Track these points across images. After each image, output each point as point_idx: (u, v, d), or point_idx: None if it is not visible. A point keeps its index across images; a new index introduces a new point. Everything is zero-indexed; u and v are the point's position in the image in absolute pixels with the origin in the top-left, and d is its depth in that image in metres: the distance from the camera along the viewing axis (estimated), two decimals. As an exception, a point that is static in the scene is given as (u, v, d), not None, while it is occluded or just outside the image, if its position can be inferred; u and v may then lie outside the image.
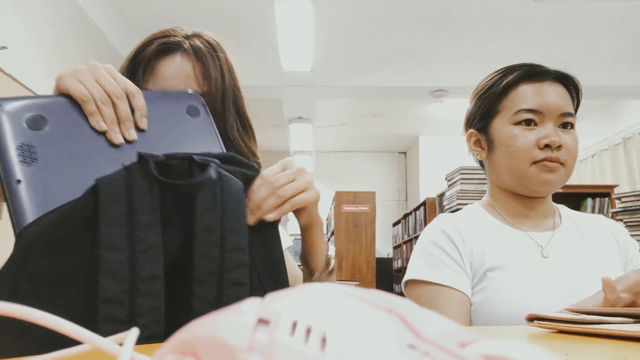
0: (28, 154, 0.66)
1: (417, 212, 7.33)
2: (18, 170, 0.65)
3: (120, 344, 0.26)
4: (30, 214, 0.62)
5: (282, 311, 0.19)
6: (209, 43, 1.00)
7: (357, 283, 5.65)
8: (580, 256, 1.16)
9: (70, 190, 0.64)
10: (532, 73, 1.20)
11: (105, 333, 0.37)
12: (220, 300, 0.65)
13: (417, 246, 1.21)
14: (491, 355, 0.18)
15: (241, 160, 0.77)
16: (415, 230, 7.37)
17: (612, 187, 4.80)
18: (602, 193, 4.76)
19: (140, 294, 0.60)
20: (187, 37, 1.01)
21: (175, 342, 0.20)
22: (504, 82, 1.21)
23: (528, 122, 1.16)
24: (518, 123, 1.17)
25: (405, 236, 7.98)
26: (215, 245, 0.66)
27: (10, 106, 0.69)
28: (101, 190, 0.62)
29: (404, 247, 8.02)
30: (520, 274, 1.09)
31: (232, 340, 0.18)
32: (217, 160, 0.72)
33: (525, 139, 1.15)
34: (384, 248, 9.36)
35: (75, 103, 0.73)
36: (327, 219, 9.19)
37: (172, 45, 0.98)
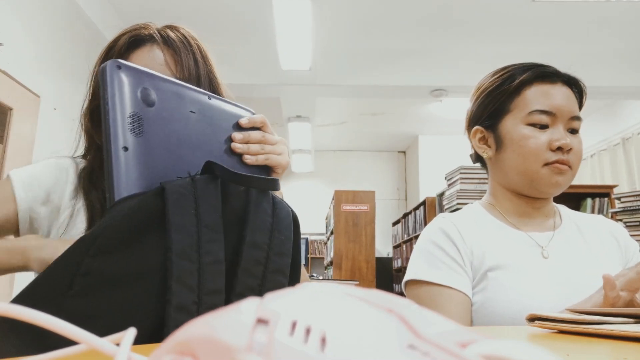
0: (138, 125, 0.66)
1: (417, 211, 7.33)
2: (127, 137, 0.64)
3: (117, 344, 0.26)
4: (129, 185, 0.62)
5: (282, 311, 0.19)
6: (181, 33, 1.01)
7: (357, 283, 5.65)
8: (580, 256, 1.16)
9: (164, 173, 0.65)
10: (545, 74, 1.19)
11: None
12: None
13: (417, 246, 1.21)
14: (491, 355, 0.18)
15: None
16: (415, 230, 7.37)
17: (611, 187, 4.80)
18: (601, 193, 4.76)
19: (205, 306, 0.60)
20: (158, 29, 1.02)
21: (173, 342, 0.20)
22: (517, 81, 1.20)
23: (542, 125, 1.16)
24: (531, 124, 1.17)
25: (405, 236, 7.99)
26: (259, 263, 0.67)
27: (129, 73, 0.69)
28: (169, 196, 0.62)
29: (404, 246, 8.02)
30: (520, 274, 1.09)
31: (230, 340, 0.18)
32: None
33: (537, 140, 1.15)
34: (383, 248, 9.37)
35: (180, 87, 0.74)
36: (326, 218, 9.20)
37: (143, 37, 0.99)
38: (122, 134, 0.64)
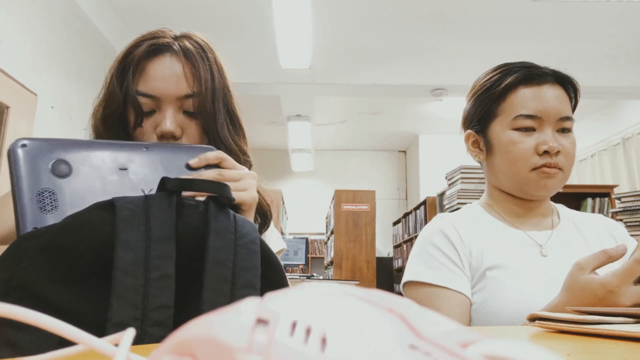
0: (49, 201, 0.66)
1: (418, 211, 7.34)
2: (38, 217, 0.65)
3: (116, 345, 0.26)
4: None
5: (281, 311, 0.19)
6: (198, 44, 1.01)
7: (357, 282, 5.66)
8: (579, 255, 1.15)
9: None
10: (531, 76, 1.19)
11: None
12: None
13: (416, 247, 1.21)
14: (492, 355, 0.18)
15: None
16: (415, 230, 7.37)
17: (611, 187, 4.81)
18: (602, 193, 4.77)
19: (150, 322, 0.59)
20: (176, 37, 1.02)
21: (172, 342, 0.20)
22: (503, 85, 1.20)
23: (527, 128, 1.16)
24: (517, 129, 1.17)
25: (406, 235, 7.99)
26: (226, 281, 0.65)
27: (35, 148, 0.69)
28: (119, 212, 0.61)
29: (404, 246, 8.03)
30: (519, 272, 1.09)
31: (230, 340, 0.18)
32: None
33: (524, 145, 1.15)
34: (384, 247, 9.37)
35: (103, 146, 0.74)
36: (326, 218, 9.21)
37: (161, 46, 0.99)
38: (31, 215, 0.64)
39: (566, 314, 0.68)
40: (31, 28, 3.52)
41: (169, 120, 0.94)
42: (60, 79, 3.89)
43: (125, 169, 0.75)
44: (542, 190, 1.15)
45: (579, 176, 7.55)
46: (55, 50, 3.84)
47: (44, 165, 0.68)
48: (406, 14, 4.74)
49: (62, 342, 0.35)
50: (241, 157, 1.03)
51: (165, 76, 0.96)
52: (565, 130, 1.17)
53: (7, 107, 3.24)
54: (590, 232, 1.22)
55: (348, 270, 7.27)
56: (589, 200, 4.71)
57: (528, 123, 1.16)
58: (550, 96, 1.17)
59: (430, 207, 6.68)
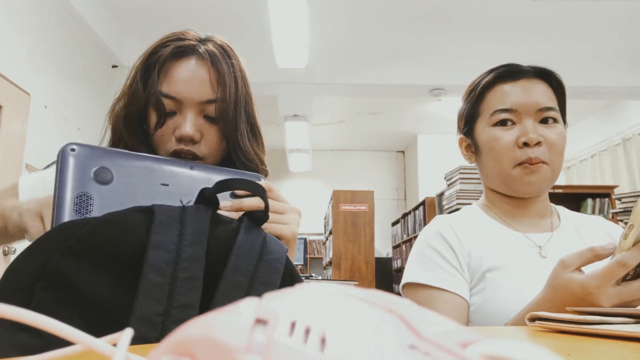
0: (85, 205, 0.69)
1: (417, 211, 7.34)
2: (69, 218, 0.67)
3: (114, 345, 0.26)
4: None
5: (281, 311, 0.19)
6: (223, 49, 1.01)
7: (356, 283, 5.66)
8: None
9: None
10: (507, 73, 1.20)
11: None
12: None
13: (414, 249, 1.21)
14: (492, 355, 0.18)
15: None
16: (414, 230, 7.37)
17: (612, 187, 4.81)
18: (602, 194, 4.77)
19: (173, 319, 0.60)
20: (201, 40, 1.02)
21: (171, 342, 0.20)
22: (481, 85, 1.22)
23: (504, 122, 1.16)
24: (496, 124, 1.17)
25: (405, 236, 7.99)
26: (240, 289, 0.65)
27: (83, 153, 0.72)
28: (156, 216, 0.63)
29: (403, 246, 8.03)
30: (519, 274, 1.09)
31: (229, 340, 0.18)
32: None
33: (504, 139, 1.15)
34: (383, 248, 9.38)
35: (150, 161, 0.76)
36: (324, 218, 9.21)
37: (187, 48, 0.98)
38: (65, 215, 0.68)
39: (566, 314, 0.68)
40: (25, 27, 3.52)
41: (190, 123, 0.94)
42: (54, 78, 3.89)
43: (167, 185, 0.77)
44: (527, 187, 1.15)
45: (579, 177, 7.56)
46: (49, 49, 3.84)
47: (87, 170, 0.72)
48: (404, 13, 4.74)
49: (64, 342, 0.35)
50: (259, 166, 1.03)
51: (190, 79, 0.96)
52: (548, 121, 1.16)
53: (0, 107, 3.24)
54: (590, 234, 1.21)
55: (347, 271, 7.27)
56: (589, 201, 4.72)
57: (505, 116, 1.16)
58: (528, 89, 1.17)
59: (429, 208, 6.68)
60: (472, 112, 1.24)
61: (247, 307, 0.20)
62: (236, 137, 0.99)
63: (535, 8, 4.56)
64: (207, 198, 0.67)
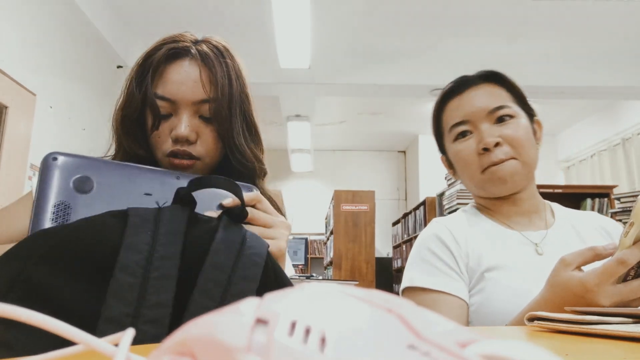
0: (62, 214, 0.70)
1: (417, 211, 7.34)
2: (45, 226, 0.67)
3: (116, 345, 0.26)
4: None
5: (281, 311, 0.19)
6: (217, 48, 1.02)
7: (357, 283, 5.65)
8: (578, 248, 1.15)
9: None
10: (453, 89, 1.25)
11: None
12: None
13: (412, 253, 1.22)
14: (491, 355, 0.18)
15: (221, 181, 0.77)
16: (415, 230, 7.37)
17: (611, 187, 4.81)
18: (601, 193, 4.77)
19: (144, 319, 0.59)
20: (195, 42, 1.02)
21: (172, 342, 0.20)
22: (435, 107, 1.29)
23: (463, 134, 1.20)
24: (456, 139, 1.22)
25: (405, 236, 7.99)
26: (220, 285, 0.64)
27: (64, 162, 0.72)
28: (131, 220, 0.62)
29: (404, 246, 8.02)
30: (516, 272, 1.09)
31: (229, 340, 0.18)
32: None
33: (465, 150, 1.19)
34: (383, 248, 9.37)
35: (124, 168, 0.76)
36: (325, 218, 9.21)
37: (180, 50, 0.99)
38: (41, 224, 0.69)
39: (565, 314, 0.68)
40: (30, 28, 3.52)
41: (184, 124, 0.94)
42: (59, 79, 3.89)
43: (150, 194, 0.77)
44: (499, 185, 1.17)
45: (579, 177, 7.56)
46: (55, 50, 3.83)
47: (67, 180, 0.72)
48: (406, 13, 4.74)
49: (55, 341, 0.35)
50: (256, 165, 1.03)
51: (182, 80, 0.96)
52: (504, 119, 1.18)
53: (6, 107, 3.23)
54: (586, 229, 1.22)
55: (347, 271, 7.27)
56: (589, 201, 4.71)
57: (461, 128, 1.20)
58: (474, 96, 1.21)
59: (430, 208, 6.67)
60: (438, 133, 1.31)
61: (247, 307, 0.20)
62: (232, 137, 0.99)
63: (536, 8, 4.56)
64: (184, 198, 0.66)
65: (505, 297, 1.06)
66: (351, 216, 7.44)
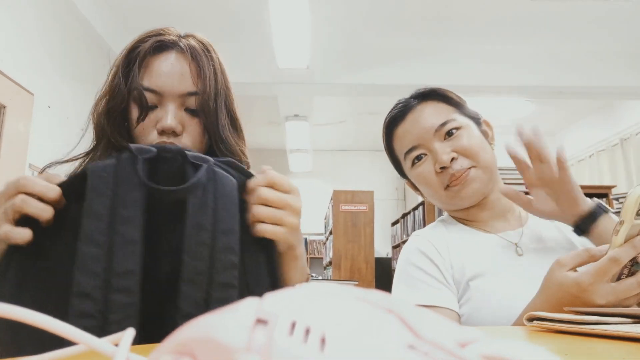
0: None
1: (416, 211, 7.33)
2: None
3: (116, 345, 0.26)
4: None
5: (281, 311, 0.19)
6: (202, 44, 1.02)
7: (356, 283, 5.65)
8: (554, 245, 1.15)
9: None
10: (395, 116, 1.25)
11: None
12: (208, 301, 0.64)
13: (397, 269, 1.21)
14: (491, 355, 0.18)
15: (238, 165, 0.77)
16: (414, 230, 7.33)
17: (609, 187, 4.80)
18: (599, 194, 4.76)
19: (114, 289, 0.59)
20: (181, 36, 1.02)
21: (172, 342, 0.20)
22: (385, 139, 1.30)
23: (418, 158, 1.20)
24: (413, 164, 1.22)
25: (405, 236, 7.98)
26: (205, 245, 0.65)
27: None
28: (90, 180, 0.63)
29: (403, 247, 7.99)
30: (499, 278, 1.09)
31: (230, 340, 0.18)
32: (211, 159, 0.71)
33: (424, 174, 1.20)
34: (382, 248, 9.36)
35: None
36: (325, 219, 9.20)
37: (167, 42, 0.99)
38: None
39: (564, 314, 0.68)
40: (27, 28, 3.51)
41: (171, 115, 0.94)
42: (57, 78, 3.88)
43: None
44: (465, 199, 1.17)
45: (577, 177, 7.53)
46: (52, 49, 3.82)
47: None
48: (405, 13, 4.73)
49: (43, 340, 0.35)
50: (241, 158, 1.03)
51: (170, 72, 0.96)
52: (452, 133, 1.18)
53: (4, 107, 3.22)
54: None
55: (347, 271, 7.26)
56: (587, 201, 4.71)
57: (414, 154, 1.21)
58: (418, 118, 1.21)
59: (429, 208, 6.67)
60: (394, 161, 1.31)
61: (247, 307, 0.20)
62: (217, 130, 0.98)
63: (535, 8, 4.56)
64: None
65: (492, 304, 1.05)
66: (350, 216, 7.43)
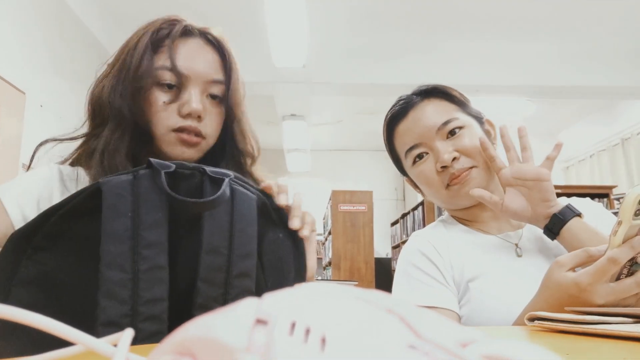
0: None
1: (416, 211, 7.34)
2: None
3: (115, 345, 0.26)
4: None
5: (280, 311, 0.19)
6: (222, 38, 1.03)
7: (356, 283, 5.66)
8: (554, 246, 1.14)
9: None
10: (396, 114, 1.23)
11: None
12: None
13: (398, 270, 1.21)
14: (492, 355, 0.18)
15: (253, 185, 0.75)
16: (414, 230, 7.35)
17: (610, 187, 4.81)
18: (601, 194, 4.77)
19: (142, 317, 0.57)
20: (200, 29, 1.03)
21: (172, 342, 0.20)
22: (385, 136, 1.28)
23: (420, 156, 1.19)
24: (414, 163, 1.20)
25: (404, 236, 7.99)
26: (220, 270, 0.62)
27: None
28: (106, 198, 0.59)
29: (403, 247, 7.99)
30: (498, 279, 1.09)
31: (230, 340, 0.18)
32: (231, 174, 0.68)
33: (425, 172, 1.18)
34: (382, 248, 9.36)
35: None
36: (323, 219, 9.20)
37: (194, 30, 1.00)
38: None
39: (565, 314, 0.68)
40: (19, 26, 3.49)
41: (197, 99, 0.93)
42: (49, 77, 3.87)
43: None
44: (468, 198, 1.16)
45: (578, 177, 7.56)
46: (44, 48, 3.81)
47: None
48: (402, 12, 4.73)
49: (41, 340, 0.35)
50: (255, 151, 1.05)
51: (197, 57, 0.96)
52: (455, 132, 1.17)
53: (-4, 106, 3.22)
54: None
55: (346, 271, 7.26)
56: (587, 201, 4.70)
57: (415, 152, 1.19)
58: (420, 116, 1.19)
59: (428, 208, 6.67)
60: (395, 159, 1.29)
61: (247, 307, 0.20)
62: (240, 120, 0.99)
63: (533, 7, 4.55)
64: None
65: (492, 306, 1.05)
66: (349, 216, 7.42)
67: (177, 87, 0.94)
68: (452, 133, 1.16)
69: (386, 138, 1.29)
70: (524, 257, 1.14)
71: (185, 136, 0.93)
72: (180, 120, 0.93)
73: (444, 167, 1.14)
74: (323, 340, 0.18)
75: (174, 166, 0.64)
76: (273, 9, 4.15)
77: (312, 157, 9.48)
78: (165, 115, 0.93)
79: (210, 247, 0.62)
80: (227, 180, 0.65)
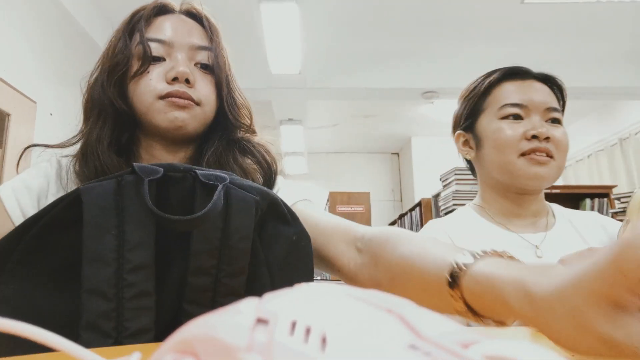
0: None
1: (413, 212, 7.33)
2: None
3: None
4: None
5: (281, 311, 0.19)
6: (204, 13, 1.00)
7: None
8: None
9: None
10: (514, 72, 1.22)
11: None
12: None
13: None
14: (494, 355, 0.18)
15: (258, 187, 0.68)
16: (411, 231, 7.34)
17: (610, 187, 4.81)
18: (600, 194, 4.76)
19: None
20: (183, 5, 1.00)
21: (174, 341, 0.20)
22: (487, 82, 1.23)
23: (515, 117, 1.17)
24: (505, 117, 1.18)
25: (402, 237, 7.97)
26: (207, 290, 0.58)
27: None
28: (87, 211, 0.54)
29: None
30: None
31: (231, 340, 0.18)
32: (228, 177, 0.62)
33: (512, 131, 1.15)
34: (380, 249, 9.36)
35: None
36: (322, 220, 9.18)
37: (172, 7, 0.96)
38: None
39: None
40: (28, 38, 3.56)
41: (183, 63, 0.88)
42: (58, 86, 3.93)
43: None
44: (532, 179, 1.14)
45: (577, 177, 7.57)
46: (53, 59, 3.88)
47: None
48: (396, 17, 4.73)
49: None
50: (251, 123, 1.01)
51: (178, 26, 0.92)
52: (555, 122, 1.17)
53: (8, 115, 3.29)
54: (586, 229, 1.20)
55: (345, 272, 7.24)
56: (588, 201, 4.71)
57: (514, 110, 1.17)
58: (535, 88, 1.19)
59: (426, 209, 6.67)
60: (476, 108, 1.24)
61: (248, 307, 0.20)
62: (230, 88, 0.95)
63: (527, 9, 4.56)
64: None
65: None
66: (347, 217, 7.26)
67: (160, 56, 0.89)
68: (553, 121, 1.17)
69: (487, 85, 1.24)
70: (544, 258, 1.13)
71: (175, 99, 0.86)
72: (167, 86, 0.86)
73: (535, 137, 1.13)
74: (323, 340, 0.18)
75: (162, 170, 0.59)
76: (269, 18, 4.20)
77: (310, 160, 9.49)
78: (150, 85, 0.87)
79: (197, 268, 0.57)
80: (220, 187, 0.59)
